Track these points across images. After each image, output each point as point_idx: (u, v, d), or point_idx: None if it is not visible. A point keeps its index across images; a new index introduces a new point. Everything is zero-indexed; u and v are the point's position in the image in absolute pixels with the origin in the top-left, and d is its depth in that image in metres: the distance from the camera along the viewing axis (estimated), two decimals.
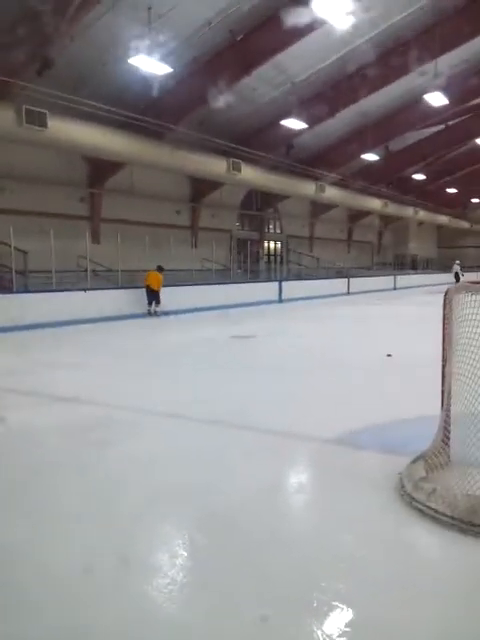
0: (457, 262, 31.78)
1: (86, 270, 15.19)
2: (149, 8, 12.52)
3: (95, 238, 17.79)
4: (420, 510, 2.96)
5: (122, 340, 10.99)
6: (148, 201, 19.37)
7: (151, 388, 6.39)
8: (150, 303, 14.94)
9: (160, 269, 15.24)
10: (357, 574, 2.52)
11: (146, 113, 15.07)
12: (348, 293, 24.94)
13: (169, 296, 15.13)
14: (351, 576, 2.51)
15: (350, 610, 2.24)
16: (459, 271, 30.57)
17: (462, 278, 27.79)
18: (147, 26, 12.58)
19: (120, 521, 3.05)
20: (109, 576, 2.53)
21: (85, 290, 13.94)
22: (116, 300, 14.34)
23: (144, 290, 14.94)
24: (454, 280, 28.20)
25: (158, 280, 14.92)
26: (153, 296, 14.88)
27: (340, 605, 2.26)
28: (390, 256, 38.12)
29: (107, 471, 3.81)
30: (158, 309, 14.98)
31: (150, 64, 12.98)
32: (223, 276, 21.32)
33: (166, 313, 15.05)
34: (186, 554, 2.72)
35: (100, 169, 17.68)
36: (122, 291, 15.04)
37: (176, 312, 15.16)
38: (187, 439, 4.49)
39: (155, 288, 14.86)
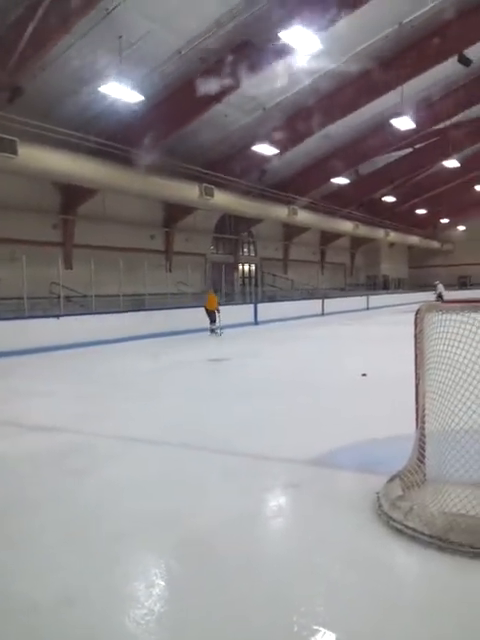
0: (438, 282, 31.59)
1: (59, 296, 15.06)
2: (120, 37, 12.71)
3: (68, 264, 17.69)
4: (398, 529, 2.96)
5: (96, 366, 10.86)
6: (121, 226, 19.39)
7: (127, 414, 6.31)
8: (212, 320, 16.41)
9: (214, 291, 17.54)
10: (337, 596, 2.50)
11: (118, 140, 15.18)
12: (322, 314, 25.15)
13: (145, 320, 15.06)
14: (331, 599, 2.49)
15: (331, 633, 2.21)
16: (442, 291, 30.11)
17: (445, 297, 27.44)
18: (118, 55, 12.75)
19: (97, 550, 2.98)
20: (85, 607, 2.46)
21: (58, 316, 13.79)
22: (90, 326, 14.22)
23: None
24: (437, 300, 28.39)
25: (211, 301, 16.37)
26: (210, 315, 16.32)
27: (321, 628, 2.24)
28: (362, 277, 38.73)
29: (84, 500, 3.73)
30: (213, 327, 16.43)
31: (121, 92, 13.13)
32: (199, 299, 21.34)
33: (214, 330, 16.47)
34: (163, 583, 2.66)
35: (72, 195, 17.68)
36: (96, 317, 14.93)
37: (152, 336, 15.08)
38: (164, 465, 4.43)
39: (210, 308, 16.29)
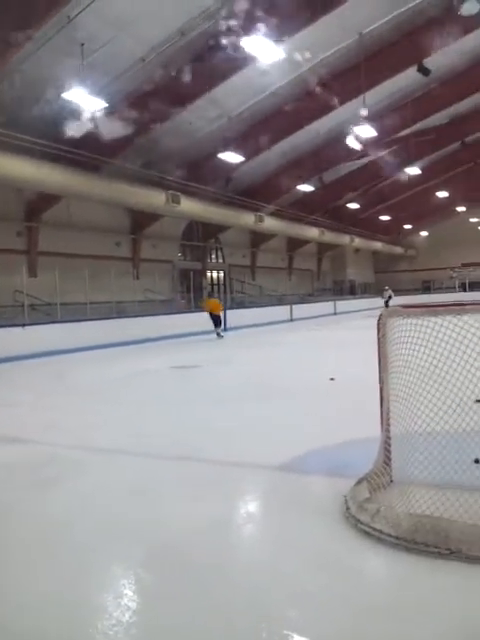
0: (386, 287, 32.33)
1: (23, 305, 14.80)
2: (82, 44, 12.63)
3: (32, 272, 17.42)
4: (365, 531, 3.00)
5: (63, 376, 10.69)
6: (87, 233, 19.20)
7: (95, 424, 6.24)
8: (217, 325, 17.22)
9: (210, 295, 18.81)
10: (306, 600, 2.52)
11: (82, 147, 15.05)
12: (291, 319, 25.33)
13: (112, 328, 14.91)
14: (300, 603, 2.50)
15: (301, 638, 2.23)
16: (391, 295, 30.98)
17: (391, 302, 28.34)
18: (80, 62, 12.66)
19: (65, 561, 2.94)
20: (53, 620, 2.42)
21: (23, 325, 13.54)
22: (56, 335, 14.01)
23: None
24: (384, 306, 28.88)
25: (214, 305, 17.21)
26: (216, 319, 17.15)
27: (290, 633, 2.25)
28: (329, 282, 39.22)
29: (51, 511, 3.67)
30: (219, 330, 17.30)
31: (84, 99, 13.03)
32: (167, 307, 21.26)
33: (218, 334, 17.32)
34: (131, 593, 2.64)
35: (37, 202, 17.45)
36: (62, 325, 14.72)
37: (120, 344, 14.94)
38: (132, 475, 4.39)
39: (215, 312, 17.13)
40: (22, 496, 3.96)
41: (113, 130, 15.20)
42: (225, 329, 18.07)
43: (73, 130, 14.74)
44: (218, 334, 17.29)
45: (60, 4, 10.81)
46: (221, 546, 3.09)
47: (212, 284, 27.83)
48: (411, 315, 3.25)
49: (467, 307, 3.14)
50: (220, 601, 2.52)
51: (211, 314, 17.06)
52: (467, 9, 13.41)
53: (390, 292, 31.36)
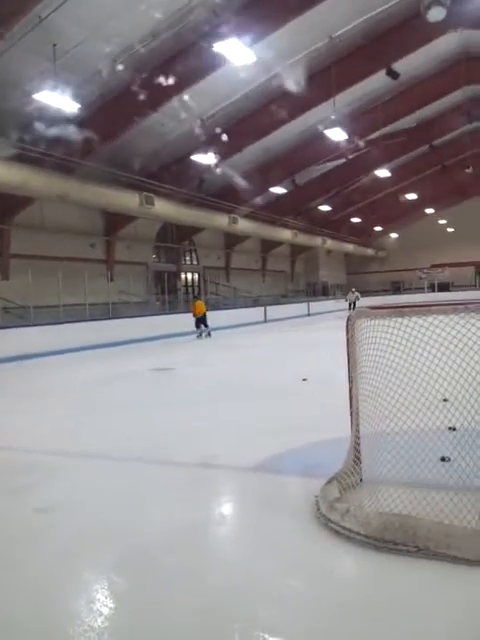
0: (352, 289, 32.45)
1: None
2: (54, 45, 12.51)
3: (4, 274, 17.17)
4: (335, 530, 3.05)
5: (37, 380, 10.57)
6: (60, 235, 19.00)
7: (70, 428, 6.18)
8: (197, 326, 17.98)
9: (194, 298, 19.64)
10: (278, 600, 2.55)
11: (54, 148, 14.88)
12: (265, 321, 25.43)
13: (86, 331, 14.77)
14: (272, 603, 2.53)
15: (273, 638, 2.26)
16: (358, 297, 30.94)
17: (358, 303, 28.49)
18: (52, 63, 12.54)
19: (38, 567, 2.92)
20: (25, 625, 2.40)
21: None
22: (29, 338, 13.80)
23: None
24: (348, 308, 28.67)
25: (199, 307, 18.02)
26: (202, 321, 17.96)
27: (262, 634, 2.28)
28: (303, 284, 39.48)
29: (24, 518, 3.63)
30: (206, 330, 18.13)
31: (55, 100, 12.90)
32: (142, 309, 21.15)
33: (200, 334, 18.12)
34: (104, 597, 2.64)
35: (8, 204, 17.17)
36: (36, 328, 14.52)
37: (95, 347, 14.80)
38: (106, 479, 4.38)
39: (199, 314, 17.94)
40: None
41: (85, 131, 15.09)
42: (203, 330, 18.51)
43: (45, 131, 14.58)
44: (209, 334, 18.20)
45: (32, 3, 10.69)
46: (193, 549, 3.10)
47: (186, 286, 27.78)
48: (379, 316, 3.31)
49: (433, 308, 3.21)
50: (192, 604, 2.53)
51: (197, 317, 17.96)
52: (433, 15, 13.68)
53: (357, 294, 31.28)
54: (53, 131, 14.57)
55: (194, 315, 18.09)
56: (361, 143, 22.95)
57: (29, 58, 12.67)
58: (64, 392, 8.89)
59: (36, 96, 12.86)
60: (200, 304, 18.33)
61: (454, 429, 3.37)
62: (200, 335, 18.18)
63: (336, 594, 2.59)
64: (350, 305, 29.89)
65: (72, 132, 14.92)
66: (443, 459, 3.56)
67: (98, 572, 2.94)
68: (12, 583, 2.78)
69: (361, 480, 3.53)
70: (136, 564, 2.95)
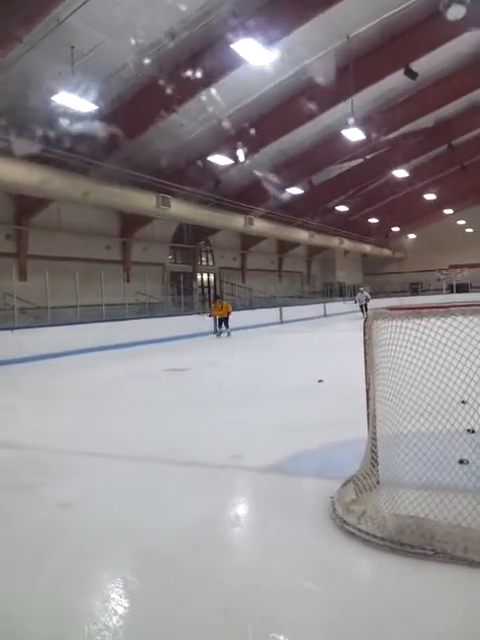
0: (361, 289, 28.21)
1: (13, 308, 14.73)
2: (72, 47, 12.62)
3: (22, 275, 17.36)
4: (351, 533, 3.02)
5: (53, 380, 10.65)
6: (77, 236, 19.16)
7: (84, 427, 6.22)
8: (220, 325, 18.62)
9: (216, 298, 20.04)
10: (292, 603, 2.53)
11: (72, 150, 15.01)
12: (281, 322, 25.36)
13: (103, 331, 14.86)
14: (287, 606, 2.51)
15: (287, 638, 2.25)
16: (368, 297, 26.62)
17: (369, 304, 24.72)
18: (70, 65, 12.65)
19: (51, 566, 2.94)
20: (39, 625, 2.42)
21: (12, 329, 13.47)
22: (46, 339, 13.93)
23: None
24: (359, 310, 25.30)
25: (224, 308, 18.61)
26: (224, 321, 18.54)
27: (277, 636, 2.26)
28: (319, 284, 39.31)
29: (36, 517, 3.66)
30: (226, 330, 18.55)
31: (74, 101, 13.01)
32: (158, 309, 21.24)
33: (220, 334, 18.64)
34: (118, 597, 2.64)
35: (26, 205, 17.38)
36: (53, 329, 14.65)
37: (111, 347, 14.89)
38: (121, 478, 4.39)
39: (221, 315, 18.53)
40: (7, 501, 3.94)
41: (103, 133, 15.19)
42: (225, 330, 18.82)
43: (63, 133, 14.71)
44: (228, 333, 18.60)
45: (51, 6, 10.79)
46: (208, 549, 3.09)
47: (202, 287, 27.83)
48: (397, 317, 3.28)
49: (452, 309, 3.17)
50: (206, 605, 2.52)
51: (219, 317, 18.58)
52: (453, 13, 13.52)
53: (367, 294, 26.86)
54: (71, 133, 14.70)
55: (217, 315, 18.55)
56: (379, 143, 22.80)
57: (48, 60, 12.80)
58: (81, 392, 8.94)
59: (54, 98, 12.99)
60: (228, 305, 18.91)
61: (473, 431, 3.33)
62: (220, 334, 18.50)
63: (352, 596, 2.57)
64: (361, 308, 25.80)
65: (89, 134, 15.04)
66: (461, 462, 3.52)
67: (112, 571, 2.95)
68: (28, 580, 2.80)
69: (378, 482, 3.50)
70: (152, 564, 2.95)
